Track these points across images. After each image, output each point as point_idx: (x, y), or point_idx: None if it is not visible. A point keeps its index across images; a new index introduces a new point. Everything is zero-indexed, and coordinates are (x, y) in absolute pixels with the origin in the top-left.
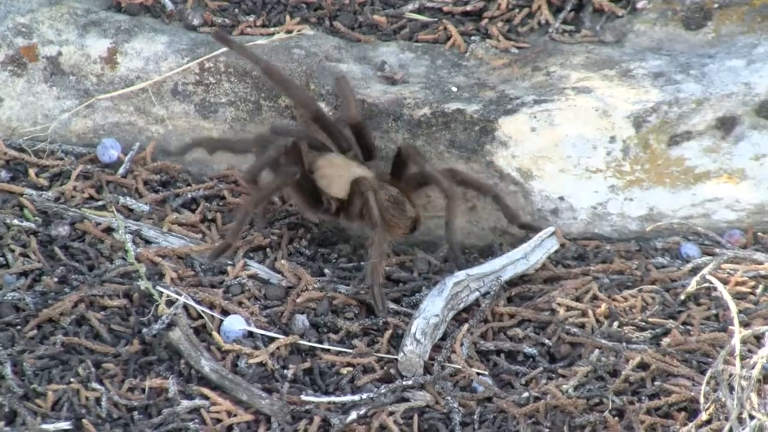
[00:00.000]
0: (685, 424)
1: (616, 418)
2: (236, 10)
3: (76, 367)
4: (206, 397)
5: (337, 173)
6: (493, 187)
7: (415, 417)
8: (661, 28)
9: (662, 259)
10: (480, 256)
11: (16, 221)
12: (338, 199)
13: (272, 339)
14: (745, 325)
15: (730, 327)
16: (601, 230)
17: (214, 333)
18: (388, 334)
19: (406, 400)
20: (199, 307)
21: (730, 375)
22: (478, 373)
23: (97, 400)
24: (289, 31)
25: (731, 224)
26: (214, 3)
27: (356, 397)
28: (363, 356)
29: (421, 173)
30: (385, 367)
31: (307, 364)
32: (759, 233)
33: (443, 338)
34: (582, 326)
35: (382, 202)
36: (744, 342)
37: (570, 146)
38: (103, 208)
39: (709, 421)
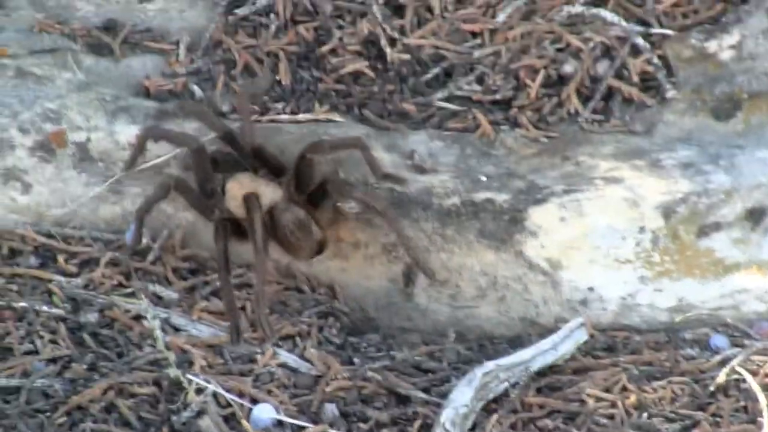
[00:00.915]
0: None
1: None
2: (265, 97)
3: None
4: None
5: (240, 192)
6: (358, 139)
7: None
8: (690, 118)
9: (691, 350)
10: (509, 347)
11: (45, 308)
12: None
13: (302, 428)
14: None
15: (759, 419)
16: (631, 321)
17: (244, 421)
18: (417, 424)
19: None
20: (228, 396)
21: None
22: None
23: None
24: (317, 119)
25: (761, 316)
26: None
27: None
28: None
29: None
30: None
31: None
32: None
33: (472, 428)
34: (611, 417)
35: (285, 222)
36: None
37: (599, 236)
38: (132, 295)
39: None
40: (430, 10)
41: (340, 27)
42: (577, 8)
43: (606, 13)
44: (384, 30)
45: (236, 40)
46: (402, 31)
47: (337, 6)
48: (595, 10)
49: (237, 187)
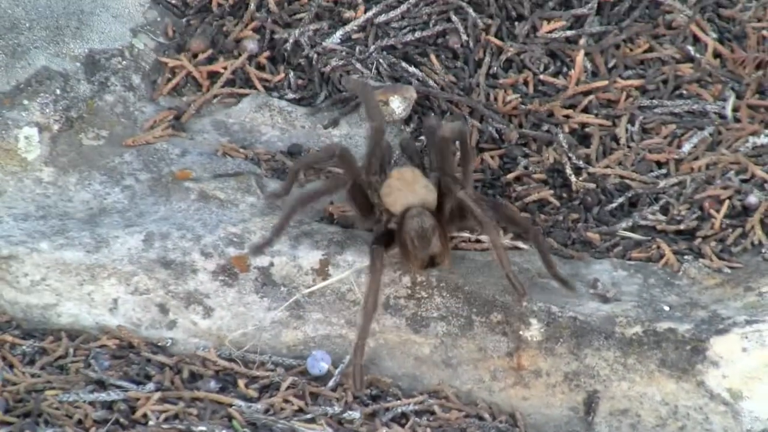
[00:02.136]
0: None
1: None
2: None
3: None
4: None
5: (400, 186)
6: (532, 226)
7: None
8: None
9: None
10: None
11: None
12: (390, 212)
13: None
14: None
15: None
16: None
17: None
18: None
19: None
20: None
21: None
22: None
23: None
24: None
25: None
26: None
27: None
28: None
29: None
30: None
31: None
32: None
33: None
34: None
35: (408, 228)
36: None
37: None
38: (312, 421)
39: None
40: (615, 139)
41: (526, 155)
42: (763, 139)
43: None
44: (569, 159)
45: None
46: (587, 160)
47: (523, 134)
48: None
49: (396, 176)
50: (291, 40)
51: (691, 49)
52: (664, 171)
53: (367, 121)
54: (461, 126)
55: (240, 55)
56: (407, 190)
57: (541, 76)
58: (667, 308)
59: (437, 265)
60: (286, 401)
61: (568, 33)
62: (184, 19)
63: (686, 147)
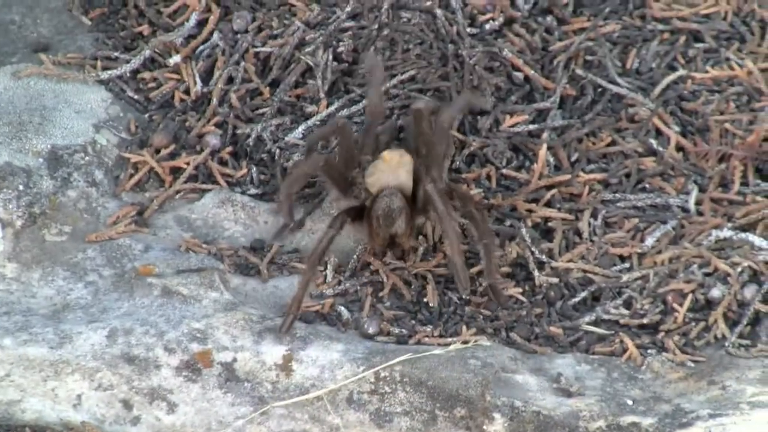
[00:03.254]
0: None
1: None
2: (412, 321)
3: None
4: None
5: (384, 168)
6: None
7: None
8: None
9: None
10: None
11: None
12: (368, 191)
13: None
14: None
15: None
16: None
17: None
18: None
19: None
20: None
21: None
22: None
23: None
24: (465, 342)
25: None
26: (389, 312)
27: None
28: None
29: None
30: None
31: None
32: None
33: None
34: None
35: (377, 206)
36: None
37: None
38: None
39: None
40: (578, 233)
41: None
42: (726, 232)
43: (754, 238)
44: (532, 253)
45: (384, 262)
46: (550, 254)
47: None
48: (743, 235)
49: (384, 159)
50: (253, 135)
51: (653, 142)
52: (627, 265)
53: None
54: (441, 105)
55: (202, 150)
56: (389, 172)
57: (504, 171)
58: (630, 402)
59: (397, 246)
60: None
61: (531, 127)
62: (146, 115)
63: (649, 241)
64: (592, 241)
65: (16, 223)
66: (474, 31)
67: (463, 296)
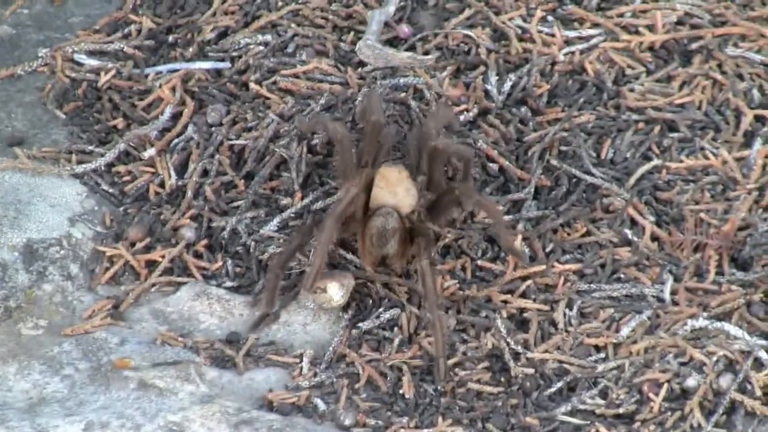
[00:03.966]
0: None
1: None
2: (388, 412)
3: None
4: None
5: (381, 185)
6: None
7: None
8: None
9: None
10: None
11: None
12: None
13: None
14: None
15: None
16: None
17: None
18: None
19: None
20: None
21: None
22: None
23: None
24: None
25: None
26: (365, 404)
27: None
28: None
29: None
30: None
31: None
32: None
33: None
34: None
35: (371, 225)
36: None
37: None
38: None
39: None
40: (554, 324)
41: (465, 341)
42: (701, 322)
43: (730, 327)
44: (508, 344)
45: (360, 353)
46: (526, 345)
47: (461, 320)
48: (719, 324)
49: (382, 177)
50: (228, 228)
51: (628, 232)
52: (602, 355)
53: (366, 115)
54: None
55: (178, 243)
56: (387, 189)
57: (479, 262)
58: None
59: (388, 267)
60: None
61: (506, 218)
62: (121, 208)
63: (624, 331)
64: (567, 331)
65: None
66: None
67: (439, 388)
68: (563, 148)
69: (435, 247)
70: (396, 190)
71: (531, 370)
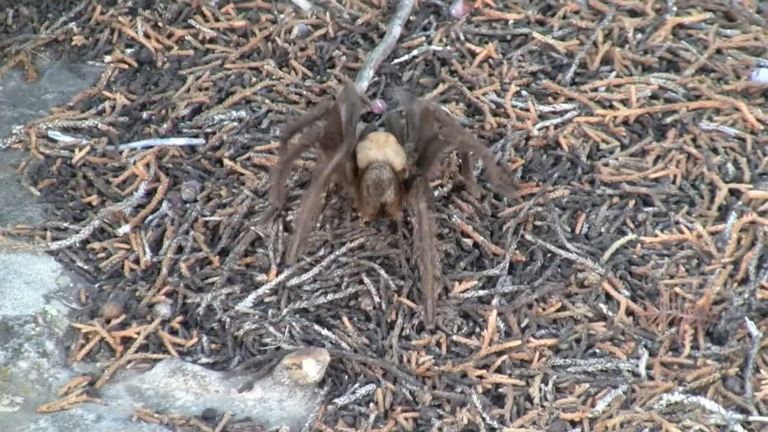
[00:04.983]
0: None
1: None
2: None
3: None
4: None
5: (370, 146)
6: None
7: None
8: None
9: None
10: None
11: None
12: (357, 168)
13: None
14: None
15: None
16: None
17: None
18: None
19: None
20: None
21: None
22: None
23: None
24: None
25: None
26: None
27: None
28: None
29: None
30: None
31: None
32: None
33: None
34: None
35: (368, 176)
36: None
37: None
38: None
39: None
40: (529, 399)
41: (440, 417)
42: (677, 396)
43: (705, 401)
44: (483, 419)
45: (336, 429)
46: (501, 420)
47: (437, 395)
48: (695, 398)
49: (370, 138)
50: (203, 305)
51: (603, 307)
52: (578, 430)
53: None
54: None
55: (153, 319)
56: (376, 149)
57: (454, 337)
58: None
59: (387, 216)
60: None
61: (481, 293)
62: (96, 285)
63: (600, 406)
64: (543, 406)
65: None
66: None
67: (428, 327)
68: (538, 222)
69: (431, 191)
70: (385, 150)
71: None
